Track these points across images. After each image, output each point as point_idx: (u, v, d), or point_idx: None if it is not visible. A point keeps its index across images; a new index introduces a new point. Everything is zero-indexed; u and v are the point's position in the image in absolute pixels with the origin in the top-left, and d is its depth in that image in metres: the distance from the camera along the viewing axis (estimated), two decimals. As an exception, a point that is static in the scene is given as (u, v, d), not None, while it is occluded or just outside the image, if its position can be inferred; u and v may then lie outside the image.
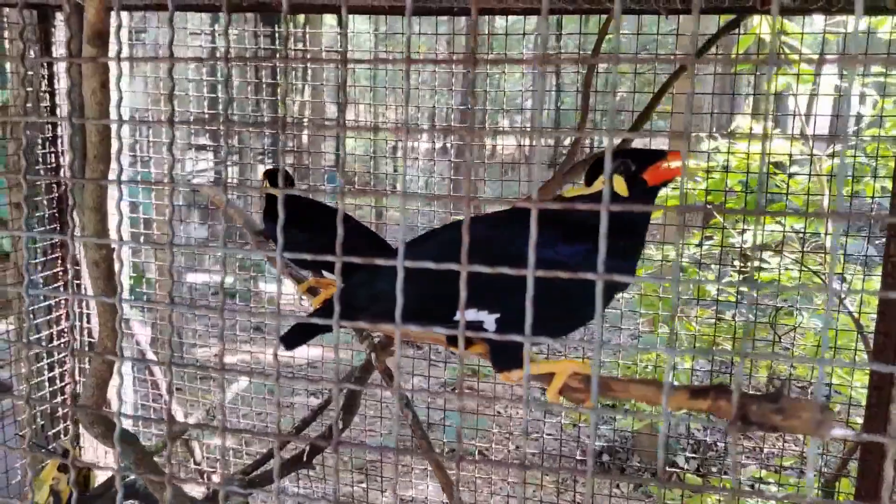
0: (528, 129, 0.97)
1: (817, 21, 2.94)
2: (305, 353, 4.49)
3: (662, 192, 2.66)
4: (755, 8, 1.97)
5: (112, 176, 0.86)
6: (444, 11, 2.61)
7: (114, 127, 0.89)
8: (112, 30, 0.88)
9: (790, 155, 2.95)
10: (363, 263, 1.20)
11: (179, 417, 3.26)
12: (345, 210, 0.91)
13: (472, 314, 1.28)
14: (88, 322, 3.29)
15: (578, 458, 4.92)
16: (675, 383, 0.93)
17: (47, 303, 3.10)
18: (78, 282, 3.13)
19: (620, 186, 1.40)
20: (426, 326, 0.82)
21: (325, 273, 2.12)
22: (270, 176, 2.23)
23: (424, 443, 1.94)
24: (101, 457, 3.11)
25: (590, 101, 2.38)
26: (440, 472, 1.90)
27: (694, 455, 4.98)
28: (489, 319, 1.28)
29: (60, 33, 2.90)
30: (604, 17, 2.50)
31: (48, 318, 3.12)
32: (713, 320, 3.16)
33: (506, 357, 1.35)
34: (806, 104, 5.16)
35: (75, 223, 0.90)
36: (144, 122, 0.92)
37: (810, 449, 0.73)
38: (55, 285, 3.09)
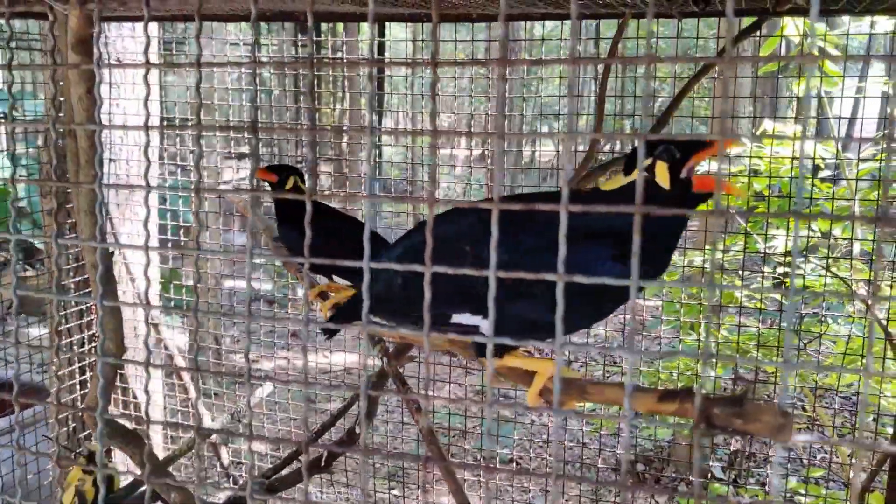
0: (491, 133, 0.98)
1: (845, 22, 2.88)
2: (343, 359, 4.53)
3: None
4: (770, 10, 1.94)
5: (97, 181, 0.88)
6: (462, 18, 2.62)
7: (96, 132, 0.91)
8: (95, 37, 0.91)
9: (816, 158, 2.89)
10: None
11: (207, 422, 3.31)
12: (352, 213, 0.92)
13: (468, 318, 1.28)
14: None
15: (604, 467, 4.88)
16: (646, 387, 0.92)
17: (78, 308, 3.18)
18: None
19: (663, 175, 1.31)
20: (416, 330, 0.81)
21: (335, 278, 2.14)
22: (272, 171, 2.21)
23: (435, 449, 1.94)
24: (128, 459, 3.17)
25: (605, 105, 2.37)
26: (450, 479, 1.90)
27: (731, 466, 4.89)
28: (484, 324, 1.27)
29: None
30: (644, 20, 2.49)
31: (79, 322, 3.19)
32: (740, 327, 3.10)
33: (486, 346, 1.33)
34: (850, 108, 5.05)
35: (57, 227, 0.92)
36: (126, 127, 0.94)
37: (776, 454, 0.72)
38: (86, 290, 3.16)
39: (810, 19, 0.69)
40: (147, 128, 0.86)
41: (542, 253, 1.23)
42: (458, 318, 1.28)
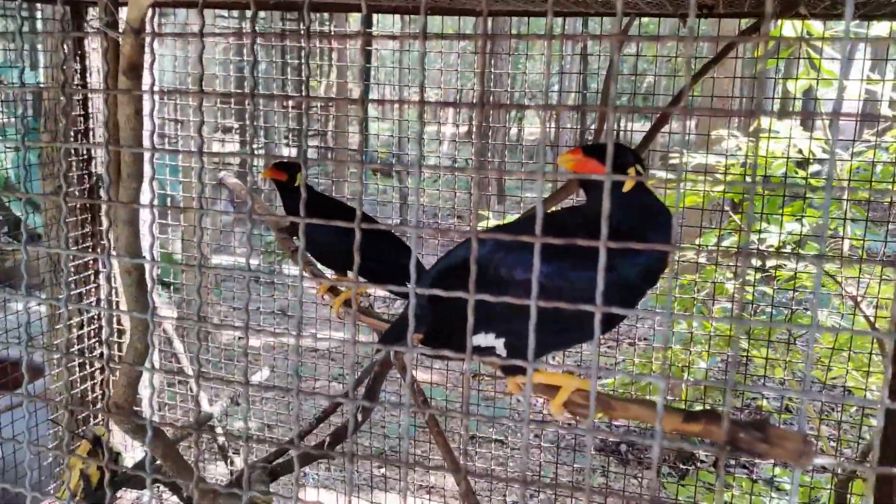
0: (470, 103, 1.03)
1: (842, 24, 2.93)
2: (328, 337, 4.57)
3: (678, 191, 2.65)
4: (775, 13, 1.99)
5: (144, 200, 0.92)
6: (454, 12, 2.67)
7: (146, 154, 0.94)
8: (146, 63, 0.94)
9: (810, 153, 2.96)
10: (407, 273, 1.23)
11: (205, 404, 3.35)
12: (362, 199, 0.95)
13: (486, 339, 1.33)
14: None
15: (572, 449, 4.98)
16: (671, 406, 0.98)
17: (78, 290, 3.20)
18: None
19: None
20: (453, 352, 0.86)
21: (349, 274, 2.18)
22: (281, 169, 2.23)
23: (440, 438, 2.01)
24: (129, 440, 3.21)
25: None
26: (444, 448, 1.97)
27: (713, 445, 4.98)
28: (499, 344, 1.33)
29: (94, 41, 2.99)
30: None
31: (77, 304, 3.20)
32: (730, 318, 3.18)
33: (513, 364, 1.40)
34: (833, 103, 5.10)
35: (110, 243, 0.95)
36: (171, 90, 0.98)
37: (794, 476, 0.78)
38: (86, 273, 3.19)
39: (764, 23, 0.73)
40: (152, 92, 0.90)
41: (563, 273, 1.28)
42: (476, 339, 1.33)
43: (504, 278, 1.30)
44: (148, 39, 0.88)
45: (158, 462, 2.85)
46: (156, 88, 0.96)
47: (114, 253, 1.22)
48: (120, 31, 1.07)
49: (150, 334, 0.95)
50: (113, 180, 1.19)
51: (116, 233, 1.22)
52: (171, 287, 4.94)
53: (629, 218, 1.33)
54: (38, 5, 3.23)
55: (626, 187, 1.35)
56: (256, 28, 0.84)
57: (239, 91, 3.87)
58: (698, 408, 3.23)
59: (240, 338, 7.10)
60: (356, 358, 4.94)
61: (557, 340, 1.33)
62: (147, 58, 0.91)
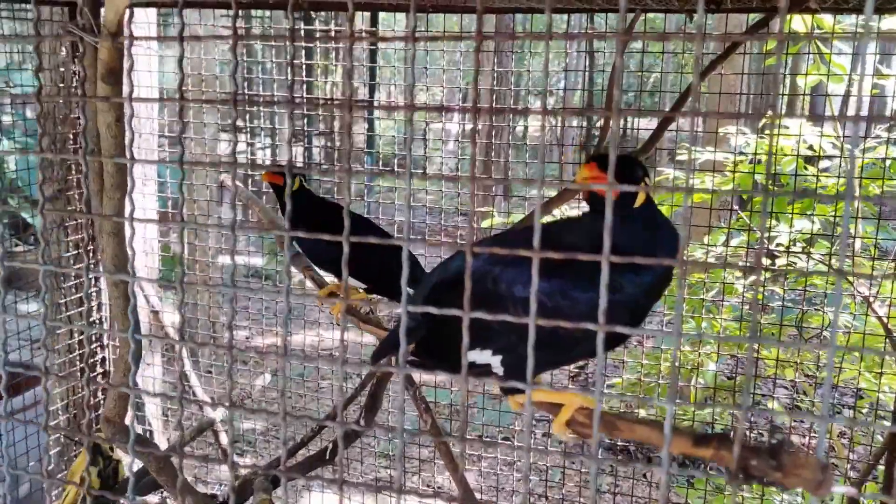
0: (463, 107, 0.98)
1: (852, 18, 2.87)
2: (333, 335, 4.55)
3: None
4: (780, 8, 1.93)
5: (126, 212, 0.88)
6: (456, 9, 2.63)
7: (128, 164, 0.90)
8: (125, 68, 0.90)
9: (820, 149, 2.90)
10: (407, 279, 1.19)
11: (207, 408, 3.31)
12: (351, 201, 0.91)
13: (482, 356, 1.28)
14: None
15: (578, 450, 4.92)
16: (680, 428, 0.93)
17: (78, 295, 3.17)
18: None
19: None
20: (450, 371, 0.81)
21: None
22: (278, 173, 2.18)
23: (443, 447, 1.97)
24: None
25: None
26: (447, 457, 1.94)
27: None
28: (495, 361, 1.28)
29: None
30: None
31: (80, 309, 3.18)
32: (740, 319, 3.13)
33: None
34: (842, 100, 5.03)
35: (89, 258, 0.91)
36: (106, 98, 0.93)
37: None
38: (81, 278, 3.14)
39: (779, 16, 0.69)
40: (131, 99, 0.85)
41: (566, 290, 1.23)
42: (470, 355, 1.28)
43: (502, 295, 1.25)
44: (126, 43, 0.84)
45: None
46: (151, 94, 0.91)
47: (94, 267, 1.17)
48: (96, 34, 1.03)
49: (131, 353, 0.91)
50: (96, 191, 1.15)
51: (103, 244, 1.18)
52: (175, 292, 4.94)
53: (636, 237, 1.28)
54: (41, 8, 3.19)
55: (638, 202, 1.29)
56: (245, 30, 0.79)
57: (223, 98, 3.82)
58: (707, 411, 3.19)
59: (247, 337, 7.08)
60: (357, 360, 4.90)
61: (557, 358, 1.29)
62: (126, 63, 0.87)
